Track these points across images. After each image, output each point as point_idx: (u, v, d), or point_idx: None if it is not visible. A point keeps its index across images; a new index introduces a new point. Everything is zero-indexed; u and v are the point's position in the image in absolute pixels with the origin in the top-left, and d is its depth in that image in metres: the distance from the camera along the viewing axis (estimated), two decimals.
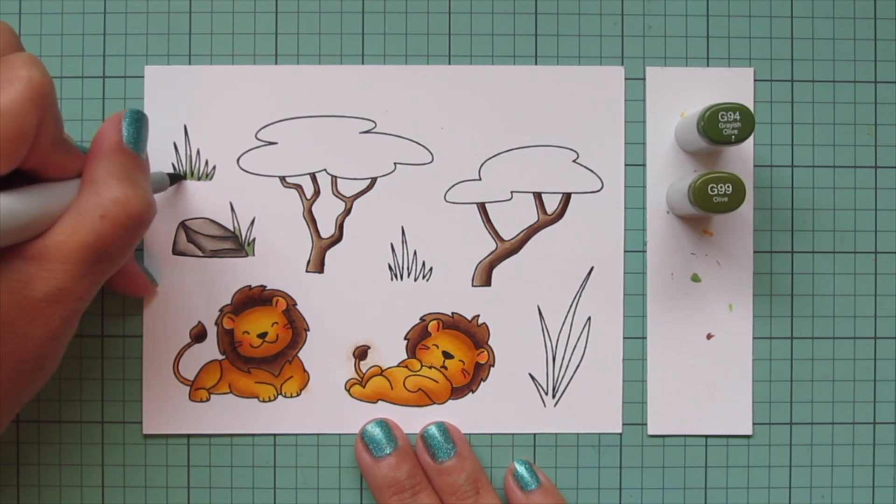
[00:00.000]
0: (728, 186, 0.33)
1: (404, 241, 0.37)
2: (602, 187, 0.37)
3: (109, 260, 0.28)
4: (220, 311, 0.36)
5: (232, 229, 0.36)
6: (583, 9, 0.37)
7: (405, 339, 0.37)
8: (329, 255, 0.37)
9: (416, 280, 0.37)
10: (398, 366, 0.37)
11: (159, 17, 0.37)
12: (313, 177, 0.37)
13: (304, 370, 0.37)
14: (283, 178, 0.36)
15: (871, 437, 0.37)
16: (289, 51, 0.37)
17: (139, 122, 0.30)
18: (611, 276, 0.37)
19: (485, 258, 0.37)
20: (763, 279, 0.37)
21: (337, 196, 0.37)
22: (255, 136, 0.36)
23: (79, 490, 0.36)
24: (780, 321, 0.37)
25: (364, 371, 0.37)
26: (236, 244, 0.36)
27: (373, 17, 0.37)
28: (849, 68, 0.37)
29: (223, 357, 0.36)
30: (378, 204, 0.37)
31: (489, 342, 0.37)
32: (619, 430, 0.37)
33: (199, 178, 0.36)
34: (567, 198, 0.37)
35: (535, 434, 0.37)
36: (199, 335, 0.36)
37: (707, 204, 0.33)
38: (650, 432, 0.37)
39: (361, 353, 0.37)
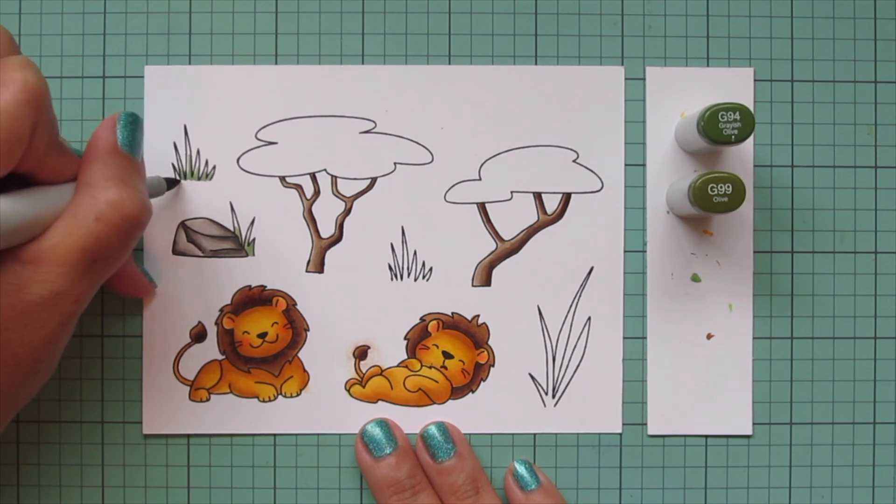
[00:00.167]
0: (728, 186, 0.33)
1: (404, 241, 0.37)
2: (602, 187, 0.37)
3: (105, 262, 0.28)
4: (220, 311, 0.36)
5: (232, 229, 0.36)
6: (583, 9, 0.37)
7: (405, 339, 0.37)
8: (329, 255, 0.37)
9: (416, 280, 0.37)
10: (398, 366, 0.37)
11: (159, 17, 0.37)
12: (313, 177, 0.37)
13: (304, 370, 0.37)
14: (283, 178, 0.36)
15: (871, 437, 0.37)
16: (289, 51, 0.37)
17: (134, 124, 0.30)
18: (611, 276, 0.37)
19: (485, 258, 0.37)
20: (763, 279, 0.37)
21: (337, 196, 0.37)
22: (255, 136, 0.36)
23: (79, 490, 0.36)
24: (780, 321, 0.37)
25: (364, 371, 0.37)
26: (236, 244, 0.36)
27: (373, 17, 0.37)
28: (849, 68, 0.37)
29: (223, 357, 0.36)
30: (378, 204, 0.37)
31: (489, 342, 0.37)
32: (619, 430, 0.37)
33: (199, 178, 0.36)
34: (567, 198, 0.37)
35: (535, 434, 0.37)
36: (199, 335, 0.36)
37: (707, 204, 0.33)
38: (650, 432, 0.37)
39: (361, 353, 0.37)
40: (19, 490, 0.36)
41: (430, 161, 0.37)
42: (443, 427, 0.35)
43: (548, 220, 0.37)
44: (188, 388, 0.36)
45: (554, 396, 0.37)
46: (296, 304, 0.37)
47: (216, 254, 0.36)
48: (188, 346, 0.36)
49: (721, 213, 0.34)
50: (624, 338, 0.37)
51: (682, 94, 0.37)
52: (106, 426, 0.36)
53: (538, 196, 0.37)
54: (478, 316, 0.37)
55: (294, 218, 0.36)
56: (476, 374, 0.37)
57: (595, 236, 0.37)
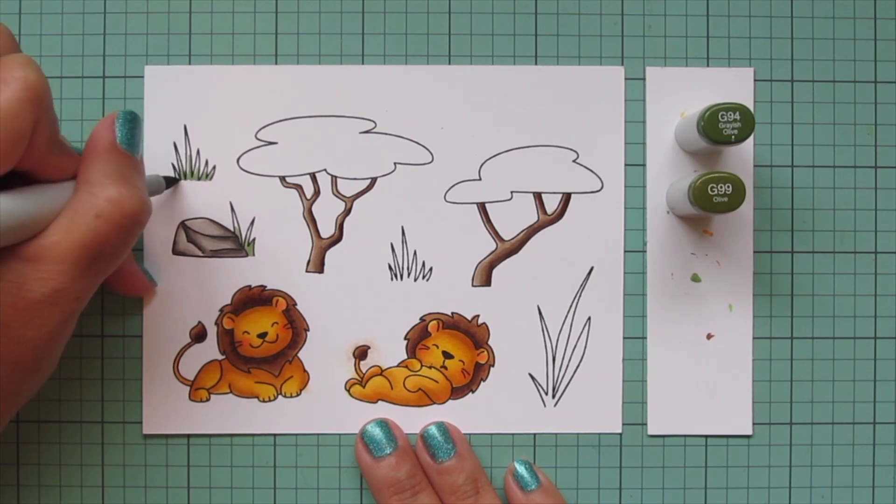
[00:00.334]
0: (728, 186, 0.33)
1: (404, 241, 0.37)
2: (602, 187, 0.37)
3: (105, 259, 0.28)
4: (220, 311, 0.36)
5: (232, 229, 0.36)
6: (583, 9, 0.37)
7: (405, 339, 0.37)
8: (329, 255, 0.37)
9: (416, 280, 0.37)
10: (398, 366, 0.37)
11: (159, 17, 0.37)
12: (313, 177, 0.37)
13: (304, 370, 0.37)
14: (283, 178, 0.36)
15: (871, 437, 0.37)
16: (289, 51, 0.37)
17: (133, 122, 0.30)
18: (611, 276, 0.37)
19: (485, 258, 0.37)
20: (763, 279, 0.37)
21: (337, 196, 0.37)
22: (255, 136, 0.36)
23: (79, 490, 0.36)
24: (780, 321, 0.37)
25: (364, 371, 0.37)
26: (236, 244, 0.36)
27: (373, 17, 0.37)
28: (849, 68, 0.37)
29: (223, 357, 0.36)
30: (378, 204, 0.37)
31: (489, 342, 0.37)
32: (619, 430, 0.37)
33: (199, 178, 0.36)
34: (567, 198, 0.37)
35: (535, 434, 0.37)
36: (199, 335, 0.36)
37: (707, 204, 0.33)
38: (650, 432, 0.37)
39: (361, 353, 0.37)
40: (19, 490, 0.36)
41: (430, 161, 0.37)
42: (443, 427, 0.35)
43: (548, 220, 0.37)
44: (188, 388, 0.36)
45: (554, 396, 0.37)
46: (296, 304, 0.37)
47: (216, 254, 0.36)
48: (188, 346, 0.36)
49: (721, 213, 0.34)
50: (624, 338, 0.37)
51: (682, 94, 0.37)
52: (106, 426, 0.36)
53: (538, 196, 0.37)
54: (478, 316, 0.37)
55: (294, 218, 0.36)
56: (476, 374, 0.37)
57: (595, 236, 0.37)
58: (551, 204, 0.37)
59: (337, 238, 0.37)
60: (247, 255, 0.36)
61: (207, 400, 0.36)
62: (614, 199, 0.37)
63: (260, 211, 0.36)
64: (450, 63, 0.37)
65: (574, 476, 0.37)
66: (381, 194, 0.37)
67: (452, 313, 0.37)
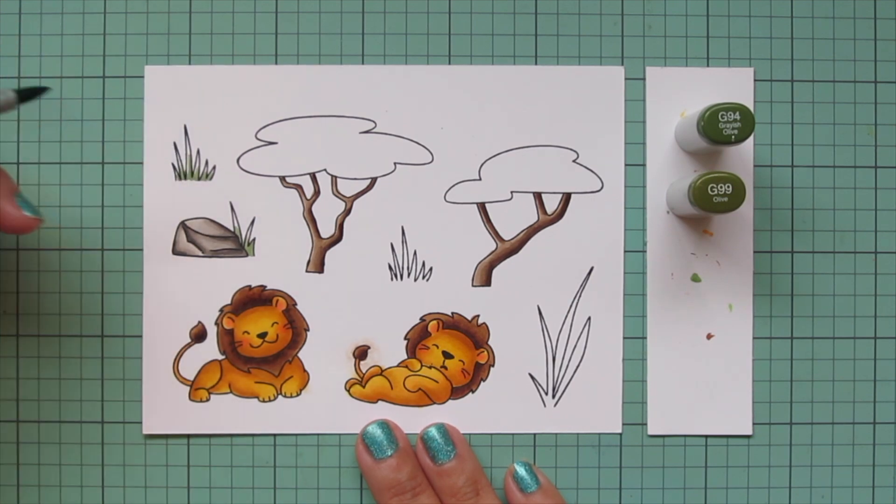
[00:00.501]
0: (728, 186, 0.33)
1: (404, 241, 0.37)
2: (602, 187, 0.37)
3: None
4: (220, 311, 0.36)
5: (232, 229, 0.36)
6: (583, 9, 0.37)
7: (405, 339, 0.37)
8: (329, 255, 0.37)
9: (416, 280, 0.37)
10: (398, 366, 0.37)
11: (159, 17, 0.37)
12: (313, 177, 0.37)
13: (304, 370, 0.37)
14: (283, 178, 0.36)
15: (871, 437, 0.37)
16: (289, 51, 0.37)
17: None
18: (611, 276, 0.37)
19: (485, 258, 0.37)
20: (763, 279, 0.37)
21: (337, 196, 0.37)
22: (255, 136, 0.36)
23: (79, 490, 0.36)
24: (780, 321, 0.37)
25: (364, 371, 0.37)
26: (236, 244, 0.36)
27: (373, 17, 0.37)
28: (849, 68, 0.37)
29: (223, 357, 0.36)
30: (378, 204, 0.37)
31: (489, 342, 0.37)
32: (619, 430, 0.37)
33: (199, 178, 0.36)
34: (567, 198, 0.37)
35: (535, 434, 0.37)
36: (199, 335, 0.36)
37: (707, 204, 0.33)
38: (650, 432, 0.37)
39: (361, 353, 0.37)
40: (19, 490, 0.36)
41: (430, 161, 0.37)
42: (443, 429, 0.35)
43: (548, 220, 0.37)
44: (188, 388, 0.36)
45: (554, 396, 0.37)
46: (296, 304, 0.37)
47: (216, 254, 0.36)
48: (188, 346, 0.36)
49: (721, 213, 0.34)
50: (624, 338, 0.37)
51: (682, 94, 0.37)
52: (106, 426, 0.36)
53: (538, 196, 0.37)
54: (478, 316, 0.37)
55: (294, 218, 0.36)
56: (476, 374, 0.37)
57: (595, 236, 0.37)
58: (551, 204, 0.37)
59: (337, 238, 0.37)
60: (247, 255, 0.36)
61: (207, 400, 0.36)
62: (614, 199, 0.37)
63: (260, 211, 0.36)
64: (450, 63, 0.37)
65: (574, 476, 0.37)
66: (381, 194, 0.37)
67: (452, 313, 0.37)
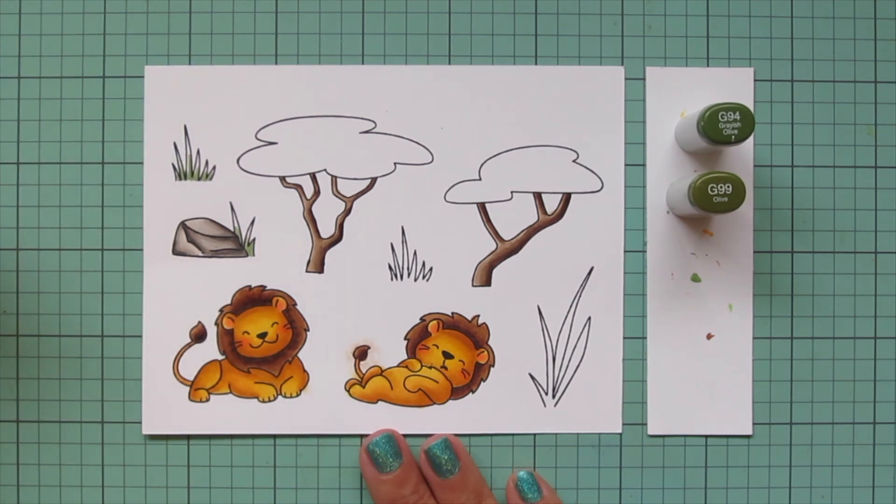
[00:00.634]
0: (728, 186, 0.33)
1: (404, 241, 0.37)
2: (602, 187, 0.37)
3: None
4: (220, 311, 0.36)
5: (232, 229, 0.36)
6: (583, 9, 0.37)
7: (405, 339, 0.37)
8: (329, 255, 0.37)
9: (416, 280, 0.37)
10: (398, 366, 0.37)
11: (159, 17, 0.37)
12: (313, 177, 0.37)
13: (304, 370, 0.37)
14: (283, 178, 0.36)
15: (871, 437, 0.37)
16: (289, 51, 0.37)
17: None
18: (611, 276, 0.37)
19: (485, 258, 0.37)
20: (763, 279, 0.37)
21: (337, 196, 0.37)
22: (255, 136, 0.36)
23: (79, 490, 0.36)
24: (780, 321, 0.37)
25: (364, 371, 0.37)
26: (236, 244, 0.36)
27: (373, 17, 0.37)
28: (849, 68, 0.37)
29: (223, 357, 0.36)
30: (378, 204, 0.37)
31: (489, 342, 0.37)
32: (619, 430, 0.37)
33: (199, 178, 0.36)
34: (567, 198, 0.37)
35: (535, 434, 0.37)
36: (199, 335, 0.36)
37: (707, 204, 0.33)
38: (650, 432, 0.37)
39: (361, 353, 0.37)
40: (19, 490, 0.36)
41: (430, 161, 0.37)
42: (447, 444, 0.35)
43: (548, 220, 0.37)
44: (188, 388, 0.36)
45: (554, 396, 0.37)
46: (296, 304, 0.37)
47: (216, 254, 0.36)
48: (188, 346, 0.36)
49: (721, 213, 0.34)
50: (624, 338, 0.37)
51: (682, 94, 0.37)
52: (106, 426, 0.36)
53: (538, 196, 0.37)
54: (478, 316, 0.37)
55: (294, 218, 0.36)
56: (476, 374, 0.37)
57: (595, 236, 0.37)
58: (551, 204, 0.37)
59: (337, 238, 0.37)
60: (247, 255, 0.36)
61: (207, 400, 0.36)
62: (614, 199, 0.37)
63: (260, 211, 0.36)
64: (450, 63, 0.37)
65: (574, 476, 0.37)
66: (381, 194, 0.37)
67: (452, 313, 0.37)
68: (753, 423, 0.37)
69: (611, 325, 0.37)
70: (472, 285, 0.37)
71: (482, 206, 0.37)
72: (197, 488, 0.36)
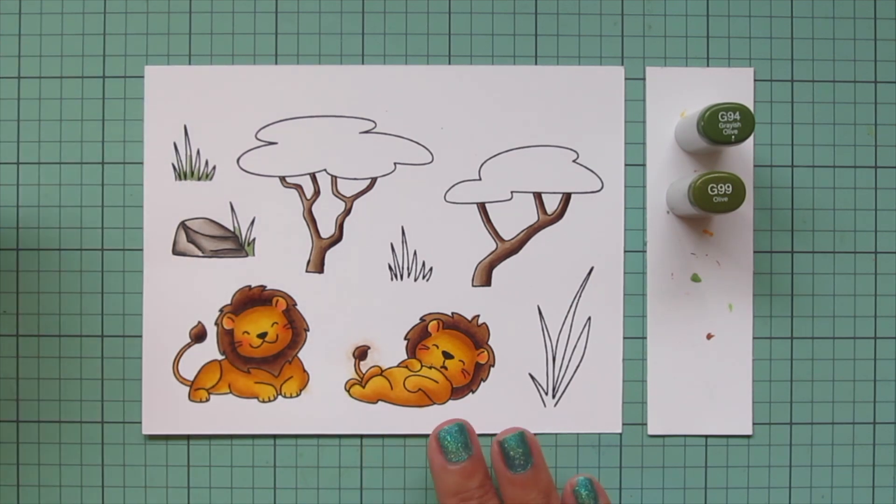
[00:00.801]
0: (728, 186, 0.33)
1: (404, 241, 0.37)
2: (602, 187, 0.37)
3: None
4: (220, 311, 0.36)
5: (232, 229, 0.36)
6: (583, 9, 0.37)
7: (405, 339, 0.37)
8: (329, 255, 0.37)
9: (416, 280, 0.37)
10: (398, 366, 0.37)
11: (159, 17, 0.37)
12: (313, 177, 0.37)
13: (304, 370, 0.37)
14: (283, 178, 0.36)
15: (871, 437, 0.37)
16: (289, 51, 0.37)
17: None
18: (611, 276, 0.37)
19: (485, 258, 0.37)
20: (763, 279, 0.37)
21: (337, 196, 0.37)
22: (255, 136, 0.36)
23: (79, 490, 0.36)
24: (780, 321, 0.37)
25: (364, 371, 0.37)
26: (236, 244, 0.36)
27: (373, 17, 0.37)
28: (849, 68, 0.37)
29: (223, 357, 0.36)
30: (378, 204, 0.37)
31: (489, 342, 0.37)
32: (619, 430, 0.37)
33: (199, 178, 0.36)
34: (567, 198, 0.37)
35: (535, 434, 0.37)
36: (198, 335, 0.36)
37: (707, 204, 0.33)
38: (650, 432, 0.37)
39: (361, 353, 0.37)
40: (19, 490, 0.36)
41: (430, 161, 0.37)
42: (523, 437, 0.35)
43: (548, 220, 0.37)
44: (188, 388, 0.36)
45: (554, 396, 0.37)
46: (296, 304, 0.37)
47: (216, 254, 0.36)
48: (188, 346, 0.36)
49: (721, 213, 0.34)
50: (624, 338, 0.37)
51: (682, 94, 0.37)
52: (106, 426, 0.36)
53: (538, 196, 0.37)
54: (478, 316, 0.37)
55: (294, 218, 0.36)
56: (476, 374, 0.37)
57: (595, 236, 0.37)
58: (551, 204, 0.37)
59: (337, 238, 0.37)
60: (247, 255, 0.36)
61: (207, 400, 0.36)
62: (614, 199, 0.37)
63: (260, 211, 0.36)
64: (450, 63, 0.37)
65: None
66: (381, 194, 0.37)
67: (452, 313, 0.37)
68: (753, 423, 0.37)
69: (611, 325, 0.37)
70: (472, 285, 0.37)
71: (482, 206, 0.37)
72: (197, 488, 0.36)
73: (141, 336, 0.36)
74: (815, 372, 0.37)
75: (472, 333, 0.37)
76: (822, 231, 0.37)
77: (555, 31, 0.37)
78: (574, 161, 0.37)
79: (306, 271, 0.37)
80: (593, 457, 0.37)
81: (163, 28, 0.37)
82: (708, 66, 0.37)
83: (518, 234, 0.37)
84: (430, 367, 0.37)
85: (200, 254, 0.36)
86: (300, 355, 0.37)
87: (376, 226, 0.37)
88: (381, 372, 0.37)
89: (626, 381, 0.37)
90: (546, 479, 0.34)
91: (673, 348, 0.37)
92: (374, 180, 0.37)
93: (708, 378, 0.37)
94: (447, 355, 0.37)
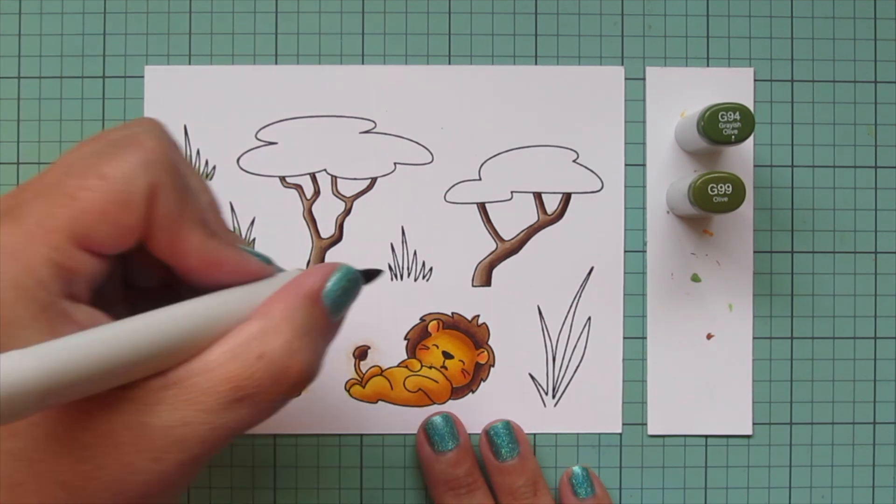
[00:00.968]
0: (728, 186, 0.33)
1: (404, 241, 0.37)
2: (602, 187, 0.37)
3: (248, 407, 0.23)
4: None
5: (232, 229, 0.36)
6: (583, 9, 0.37)
7: (405, 339, 0.37)
8: (329, 255, 0.37)
9: (416, 280, 0.37)
10: (398, 366, 0.37)
11: (159, 17, 0.37)
12: (313, 177, 0.37)
13: None
14: (283, 178, 0.36)
15: (871, 437, 0.37)
16: (289, 51, 0.37)
17: (352, 283, 0.26)
18: (611, 276, 0.37)
19: (485, 258, 0.37)
20: (763, 279, 0.37)
21: (337, 196, 0.37)
22: (255, 136, 0.36)
23: None
24: (780, 321, 0.37)
25: (364, 371, 0.37)
26: None
27: (373, 17, 0.37)
28: (849, 68, 0.37)
29: None
30: (378, 204, 0.37)
31: (489, 342, 0.37)
32: (619, 430, 0.37)
33: None
34: (567, 198, 0.37)
35: (535, 434, 0.37)
36: None
37: (707, 204, 0.33)
38: (650, 432, 0.37)
39: (361, 353, 0.37)
40: None
41: (430, 161, 0.37)
42: (509, 426, 0.35)
43: (548, 220, 0.37)
44: None
45: (554, 396, 0.37)
46: None
47: None
48: None
49: (721, 213, 0.34)
50: (624, 338, 0.37)
51: (682, 94, 0.37)
52: None
53: (538, 196, 0.37)
54: (478, 316, 0.37)
55: (294, 218, 0.36)
56: (476, 374, 0.37)
57: (595, 236, 0.37)
58: (551, 204, 0.37)
59: (337, 238, 0.37)
60: None
61: None
62: (614, 199, 0.37)
63: (260, 211, 0.36)
64: (450, 63, 0.37)
65: None
66: (381, 194, 0.37)
67: (452, 313, 0.37)
68: (753, 423, 0.37)
69: (611, 325, 0.37)
70: (472, 285, 0.37)
71: (482, 206, 0.37)
72: (197, 488, 0.36)
73: None
74: (815, 372, 0.37)
75: (472, 333, 0.37)
76: (822, 231, 0.37)
77: (555, 31, 0.37)
78: (574, 161, 0.37)
79: None
80: (593, 457, 0.37)
81: (163, 28, 0.36)
82: (708, 66, 0.37)
83: (518, 234, 0.37)
84: (430, 367, 0.37)
85: None
86: None
87: (376, 226, 0.37)
88: (381, 372, 0.37)
89: (626, 381, 0.37)
90: (533, 467, 0.35)
91: (673, 348, 0.37)
92: (374, 180, 0.37)
93: (708, 378, 0.37)
94: (447, 355, 0.37)
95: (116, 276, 0.25)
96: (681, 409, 0.37)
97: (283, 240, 0.36)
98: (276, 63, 0.37)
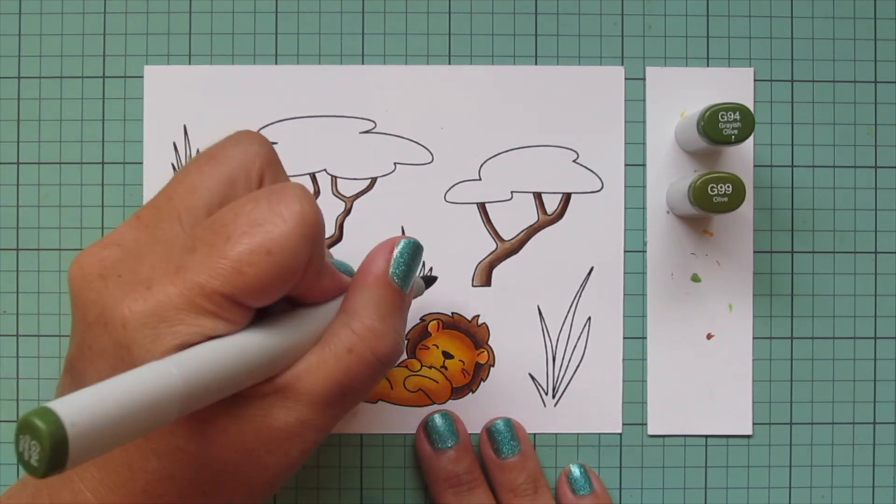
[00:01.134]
0: (728, 186, 0.33)
1: None
2: (602, 187, 0.37)
3: (352, 395, 0.26)
4: None
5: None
6: (583, 9, 0.37)
7: (405, 339, 0.37)
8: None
9: None
10: (398, 366, 0.37)
11: (159, 17, 0.37)
12: (313, 177, 0.37)
13: None
14: None
15: (871, 437, 0.37)
16: (289, 51, 0.37)
17: (412, 255, 0.28)
18: (611, 276, 0.37)
19: (485, 258, 0.37)
20: (763, 279, 0.37)
21: (337, 196, 0.37)
22: None
23: None
24: (780, 321, 0.37)
25: None
26: None
27: (373, 17, 0.37)
28: (849, 68, 0.37)
29: None
30: (378, 204, 0.37)
31: (489, 342, 0.37)
32: (619, 430, 0.37)
33: None
34: (567, 198, 0.37)
35: (535, 434, 0.37)
36: None
37: (707, 204, 0.33)
38: (650, 432, 0.37)
39: None
40: None
41: (430, 161, 0.37)
42: (509, 423, 0.35)
43: (548, 220, 0.37)
44: None
45: (554, 396, 0.37)
46: None
47: None
48: None
49: (721, 213, 0.34)
50: (624, 338, 0.37)
51: (682, 94, 0.37)
52: None
53: (538, 196, 0.37)
54: (478, 316, 0.37)
55: None
56: (476, 374, 0.37)
57: (595, 236, 0.37)
58: (551, 204, 0.37)
59: (337, 238, 0.37)
60: None
61: None
62: (614, 199, 0.37)
63: None
64: (450, 63, 0.37)
65: None
66: (381, 194, 0.37)
67: (452, 313, 0.37)
68: (753, 423, 0.37)
69: (611, 325, 0.37)
70: (472, 285, 0.37)
71: (482, 206, 0.37)
72: None
73: None
74: (815, 372, 0.37)
75: (472, 333, 0.37)
76: (822, 231, 0.37)
77: (555, 31, 0.37)
78: (574, 161, 0.37)
79: None
80: (593, 457, 0.37)
81: (163, 28, 0.36)
82: (708, 66, 0.37)
83: (518, 234, 0.37)
84: (430, 367, 0.37)
85: None
86: None
87: (376, 226, 0.37)
88: None
89: (626, 381, 0.37)
90: (534, 464, 0.35)
91: (673, 348, 0.37)
92: (374, 180, 0.37)
93: (708, 378, 0.37)
94: (447, 355, 0.37)
95: None
96: (681, 409, 0.37)
97: None
98: (276, 63, 0.37)
